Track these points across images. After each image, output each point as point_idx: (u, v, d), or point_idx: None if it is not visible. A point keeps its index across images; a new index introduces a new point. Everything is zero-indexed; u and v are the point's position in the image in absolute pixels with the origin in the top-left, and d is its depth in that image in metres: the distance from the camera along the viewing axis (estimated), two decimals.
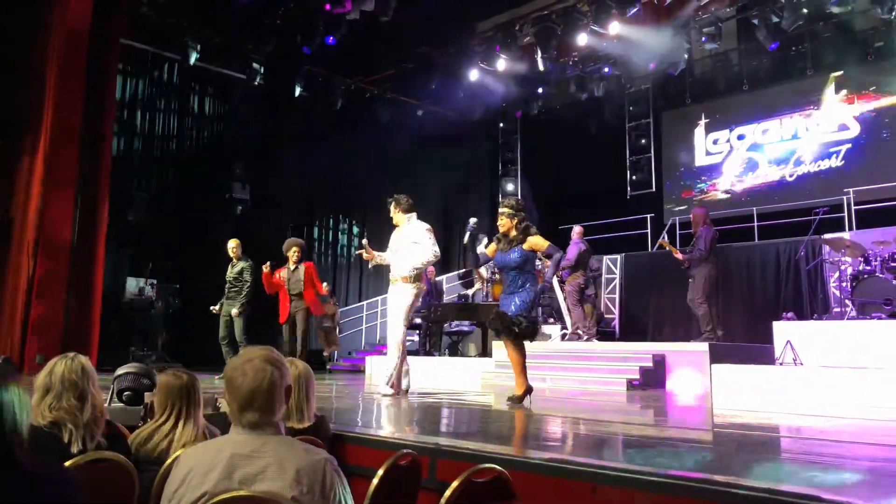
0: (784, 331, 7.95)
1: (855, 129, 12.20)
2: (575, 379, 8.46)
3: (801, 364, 7.51)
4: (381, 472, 2.28)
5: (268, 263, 8.14)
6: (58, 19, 8.54)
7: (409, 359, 6.77)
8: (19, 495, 1.50)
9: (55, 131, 8.35)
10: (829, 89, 12.50)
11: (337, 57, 12.19)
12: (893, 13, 10.59)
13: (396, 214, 6.66)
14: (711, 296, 8.78)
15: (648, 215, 13.86)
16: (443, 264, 12.21)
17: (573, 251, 9.77)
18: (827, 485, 2.64)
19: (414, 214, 6.64)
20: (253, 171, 12.87)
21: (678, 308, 10.19)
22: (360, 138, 13.37)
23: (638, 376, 8.10)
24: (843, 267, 9.54)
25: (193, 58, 11.37)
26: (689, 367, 8.13)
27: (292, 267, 8.22)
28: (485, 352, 10.69)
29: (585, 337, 9.73)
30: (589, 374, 8.55)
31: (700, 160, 14.20)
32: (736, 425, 5.03)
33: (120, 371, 4.00)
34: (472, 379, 9.07)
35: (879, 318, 7.83)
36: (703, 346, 8.13)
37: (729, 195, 13.65)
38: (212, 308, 8.67)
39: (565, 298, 10.04)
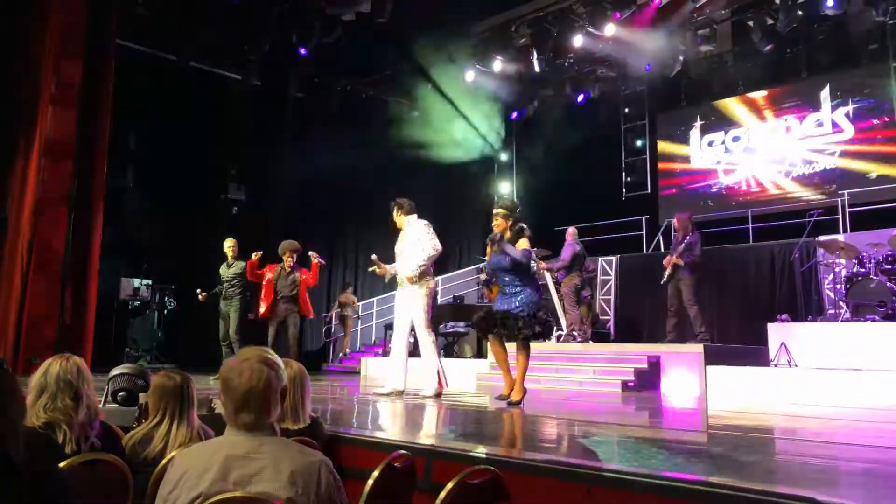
0: (778, 332, 7.98)
1: (849, 132, 12.23)
2: (570, 380, 8.48)
3: (796, 366, 7.55)
4: (376, 473, 2.29)
5: (259, 253, 8.18)
6: (53, 16, 8.52)
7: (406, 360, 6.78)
8: (14, 496, 1.49)
9: (50, 131, 8.33)
10: (824, 91, 12.52)
11: (332, 57, 12.20)
12: (888, 16, 10.65)
13: (398, 217, 6.69)
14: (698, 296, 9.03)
15: (643, 217, 13.87)
16: (439, 265, 12.20)
17: (567, 252, 9.77)
18: (821, 486, 2.66)
19: (414, 216, 6.67)
20: (248, 171, 12.88)
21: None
22: (355, 139, 13.36)
23: (633, 378, 8.12)
24: (837, 269, 9.58)
25: (189, 59, 11.35)
26: (684, 368, 8.15)
27: (287, 270, 8.20)
28: (480, 353, 10.69)
29: (580, 338, 9.75)
30: (584, 375, 8.57)
31: (695, 162, 14.22)
32: (730, 427, 5.05)
33: (114, 372, 3.98)
34: (467, 380, 9.08)
35: (873, 320, 7.86)
36: (697, 348, 8.15)
37: (724, 197, 13.67)
38: (198, 292, 8.66)
39: (561, 300, 10.05)
